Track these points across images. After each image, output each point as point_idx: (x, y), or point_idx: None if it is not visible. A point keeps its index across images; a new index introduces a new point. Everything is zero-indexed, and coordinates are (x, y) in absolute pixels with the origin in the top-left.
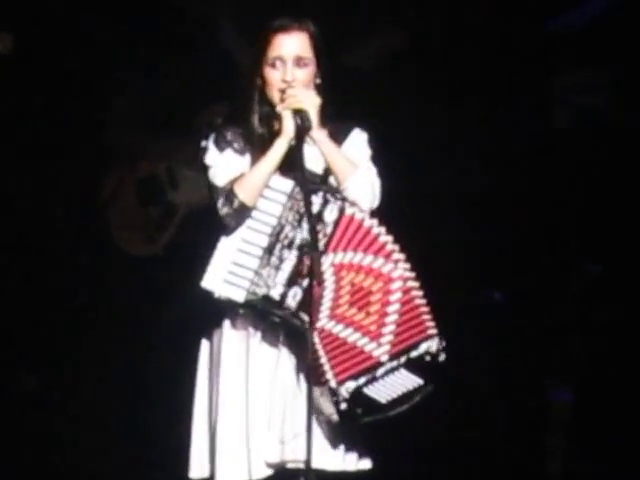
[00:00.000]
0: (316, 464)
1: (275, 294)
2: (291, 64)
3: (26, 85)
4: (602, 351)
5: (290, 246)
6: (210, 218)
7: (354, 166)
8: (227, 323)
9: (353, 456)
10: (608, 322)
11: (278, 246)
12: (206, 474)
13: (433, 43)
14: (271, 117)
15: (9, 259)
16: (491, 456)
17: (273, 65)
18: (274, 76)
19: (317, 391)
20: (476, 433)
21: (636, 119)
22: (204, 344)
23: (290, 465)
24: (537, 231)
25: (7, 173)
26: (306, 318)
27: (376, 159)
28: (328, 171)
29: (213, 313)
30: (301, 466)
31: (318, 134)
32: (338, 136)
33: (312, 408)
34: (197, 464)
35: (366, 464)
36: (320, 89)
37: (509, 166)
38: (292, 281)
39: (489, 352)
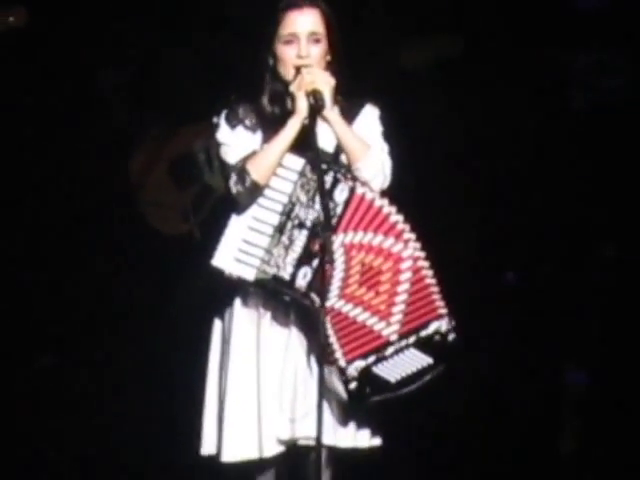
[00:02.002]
0: (327, 441)
1: (285, 274)
2: (305, 40)
3: (39, 61)
4: (617, 335)
5: (301, 226)
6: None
7: (366, 146)
8: (238, 302)
9: (364, 434)
10: (623, 306)
11: (289, 225)
12: (214, 451)
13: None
14: (283, 95)
15: (35, 242)
16: (506, 436)
17: (287, 42)
18: (289, 52)
19: (327, 370)
20: (491, 414)
21: None
22: (216, 323)
23: (301, 442)
24: (553, 214)
25: (32, 156)
26: (317, 298)
27: (387, 135)
28: (339, 149)
29: (224, 292)
30: (312, 443)
31: (331, 114)
32: (350, 112)
33: (323, 387)
34: (208, 441)
35: (377, 441)
36: (331, 66)
37: (526, 148)
38: (302, 261)
39: (505, 334)
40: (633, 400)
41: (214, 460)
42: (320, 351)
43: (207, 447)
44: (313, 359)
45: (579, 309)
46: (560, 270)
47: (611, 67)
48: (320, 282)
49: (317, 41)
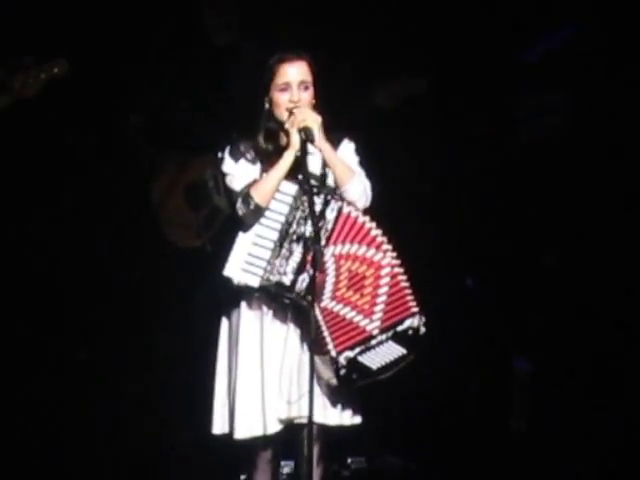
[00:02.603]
0: (318, 419)
1: (286, 280)
2: (296, 88)
3: (79, 102)
4: (556, 329)
5: (298, 240)
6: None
7: (352, 172)
8: (244, 304)
9: (347, 413)
10: (561, 304)
11: (287, 240)
12: (226, 430)
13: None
14: (276, 132)
15: (69, 251)
16: (465, 417)
17: (282, 90)
18: (283, 98)
19: (318, 359)
20: (452, 398)
21: (587, 136)
22: (224, 321)
23: (297, 421)
24: (500, 228)
25: (72, 183)
26: (311, 299)
27: (363, 164)
28: (324, 176)
29: (232, 296)
30: (306, 421)
31: (323, 144)
32: (331, 144)
33: (314, 373)
34: (219, 422)
35: (358, 419)
36: (316, 107)
37: (481, 173)
38: (300, 269)
39: (464, 329)
40: (569, 383)
41: (225, 437)
42: (310, 343)
43: (217, 427)
44: (308, 351)
45: (524, 308)
46: (509, 277)
47: (549, 108)
48: (311, 287)
49: (306, 88)
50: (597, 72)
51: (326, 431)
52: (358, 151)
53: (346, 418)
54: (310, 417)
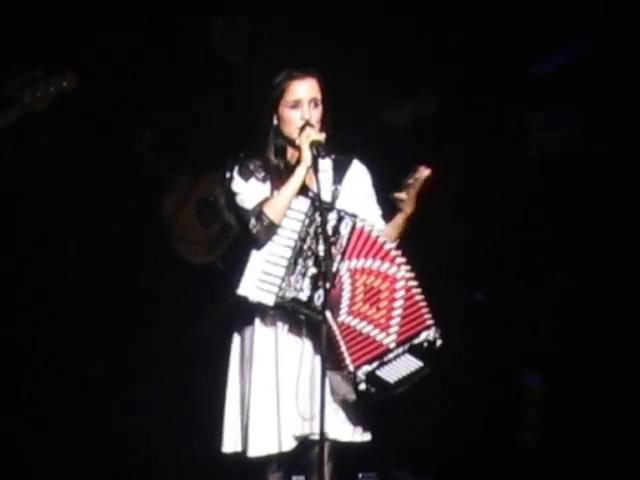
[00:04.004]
0: (332, 436)
1: (303, 297)
2: (307, 105)
3: (89, 116)
4: (568, 346)
5: (313, 255)
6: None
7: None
8: (258, 321)
9: (359, 429)
10: (573, 322)
11: (302, 256)
12: (238, 448)
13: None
14: (285, 149)
15: (79, 268)
16: (476, 432)
17: (293, 107)
18: (294, 115)
19: (334, 375)
20: (463, 413)
21: (596, 150)
22: (235, 338)
23: (312, 437)
24: (512, 245)
25: (73, 192)
26: (329, 315)
27: (375, 185)
28: (335, 194)
29: (245, 313)
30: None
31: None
32: (342, 165)
33: (325, 390)
34: (230, 440)
35: (368, 436)
36: (325, 125)
37: (493, 188)
38: (316, 285)
39: (477, 344)
40: (580, 398)
41: (237, 456)
42: (327, 360)
43: (230, 445)
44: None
45: (536, 324)
46: (520, 293)
47: (561, 123)
48: (324, 302)
49: (316, 105)
50: (609, 88)
51: (338, 447)
52: (369, 171)
53: (358, 435)
54: (322, 433)
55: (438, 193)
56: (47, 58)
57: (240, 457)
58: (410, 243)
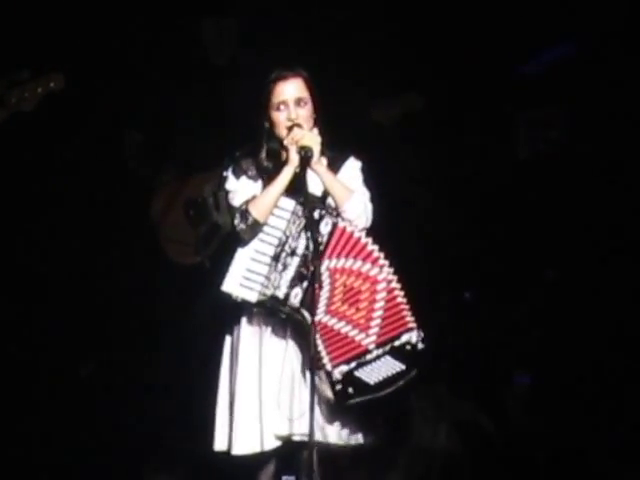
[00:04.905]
0: (316, 437)
1: (280, 294)
2: (293, 105)
3: (73, 119)
4: (555, 345)
5: (292, 254)
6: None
7: (350, 192)
8: (244, 320)
9: (346, 432)
10: (561, 321)
11: (283, 254)
12: (226, 447)
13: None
14: (277, 151)
15: (66, 266)
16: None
17: (278, 108)
18: (281, 117)
19: (320, 376)
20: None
21: (585, 150)
22: (227, 338)
23: (295, 438)
24: (502, 243)
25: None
26: (306, 314)
27: (368, 183)
28: (326, 194)
29: (232, 312)
30: (304, 439)
31: (319, 166)
32: (336, 163)
33: (314, 390)
34: (219, 438)
35: (357, 439)
36: (317, 123)
37: (481, 187)
38: (294, 283)
39: (466, 344)
40: (567, 397)
41: (225, 454)
42: (311, 360)
43: (219, 444)
44: (306, 367)
45: (525, 322)
46: (508, 292)
47: (548, 122)
48: (310, 301)
49: (303, 104)
50: (597, 86)
51: (327, 449)
52: (363, 170)
53: (344, 437)
54: (311, 434)
55: (425, 191)
56: (34, 59)
57: (228, 455)
58: (397, 242)
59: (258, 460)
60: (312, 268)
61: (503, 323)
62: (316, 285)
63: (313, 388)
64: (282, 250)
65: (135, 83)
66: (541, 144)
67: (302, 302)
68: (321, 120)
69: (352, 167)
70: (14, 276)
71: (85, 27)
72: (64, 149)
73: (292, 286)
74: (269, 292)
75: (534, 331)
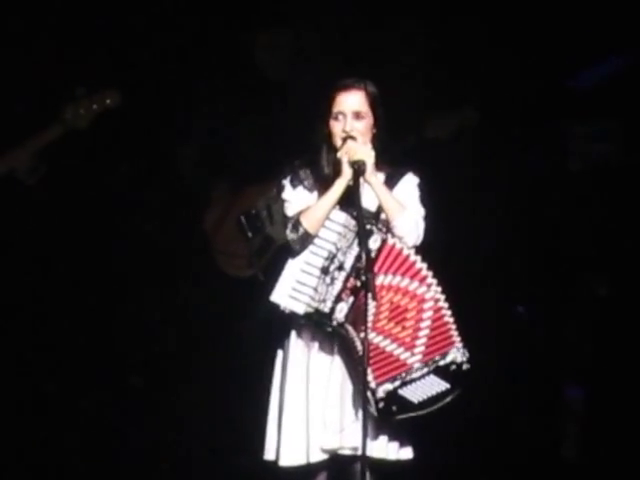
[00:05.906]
0: (369, 453)
1: (325, 308)
2: (350, 117)
3: (128, 135)
4: (609, 356)
5: (340, 268)
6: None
7: (402, 207)
8: (294, 333)
9: (394, 446)
10: (614, 333)
11: (331, 268)
12: (274, 457)
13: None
14: (336, 161)
15: (118, 280)
16: (517, 444)
17: (336, 118)
18: (337, 127)
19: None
20: (503, 427)
21: (637, 162)
22: (278, 352)
23: (342, 452)
24: (553, 257)
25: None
26: (350, 329)
27: (425, 200)
28: (380, 209)
29: (283, 325)
30: (351, 452)
31: (373, 179)
32: (393, 178)
33: (366, 404)
34: (270, 449)
35: (406, 454)
36: (376, 138)
37: (533, 202)
38: (339, 298)
39: (517, 357)
40: (622, 410)
41: (274, 464)
42: (363, 374)
43: (269, 454)
44: (352, 381)
45: (575, 336)
46: (559, 305)
47: (602, 135)
48: (361, 316)
49: (361, 117)
50: None
51: (378, 464)
52: (421, 187)
53: (392, 452)
54: (363, 449)
55: (478, 205)
56: (91, 76)
57: (277, 466)
58: (452, 257)
59: (306, 473)
60: (364, 279)
61: (556, 336)
62: (365, 298)
63: (365, 402)
64: (331, 263)
65: (188, 98)
66: (593, 158)
67: (347, 317)
68: (380, 136)
69: (409, 183)
70: (75, 294)
71: (140, 44)
72: (119, 165)
73: (338, 300)
74: (315, 305)
75: (586, 346)
